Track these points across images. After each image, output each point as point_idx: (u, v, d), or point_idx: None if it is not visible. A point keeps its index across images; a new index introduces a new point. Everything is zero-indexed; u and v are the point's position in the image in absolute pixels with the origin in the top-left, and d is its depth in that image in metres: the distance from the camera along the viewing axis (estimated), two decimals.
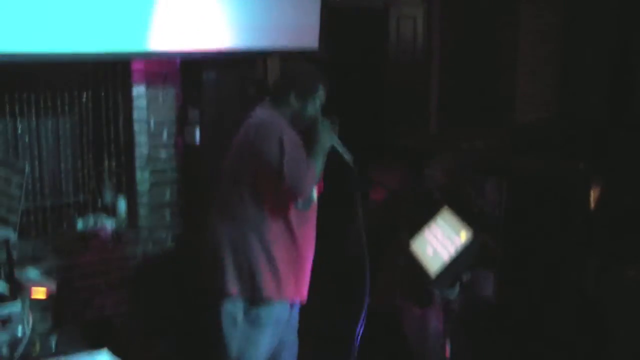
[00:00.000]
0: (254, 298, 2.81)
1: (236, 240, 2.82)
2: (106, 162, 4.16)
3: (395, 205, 4.21)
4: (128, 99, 4.07)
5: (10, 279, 2.51)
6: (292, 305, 2.96)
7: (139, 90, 4.06)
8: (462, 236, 2.57)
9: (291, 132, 2.78)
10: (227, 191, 2.89)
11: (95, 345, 2.66)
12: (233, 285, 2.80)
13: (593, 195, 3.58)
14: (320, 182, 2.97)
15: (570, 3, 6.01)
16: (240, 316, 2.84)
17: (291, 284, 2.87)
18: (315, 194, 2.91)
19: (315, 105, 2.86)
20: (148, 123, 4.12)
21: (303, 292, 2.95)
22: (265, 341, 2.87)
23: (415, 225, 3.05)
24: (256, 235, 2.79)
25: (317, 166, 2.83)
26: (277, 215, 2.79)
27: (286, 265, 2.83)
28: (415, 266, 2.83)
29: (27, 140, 3.91)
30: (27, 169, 2.77)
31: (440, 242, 2.67)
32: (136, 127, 4.09)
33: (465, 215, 2.73)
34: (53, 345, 2.40)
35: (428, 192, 3.87)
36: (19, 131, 3.88)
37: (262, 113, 2.85)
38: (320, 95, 2.87)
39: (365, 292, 2.87)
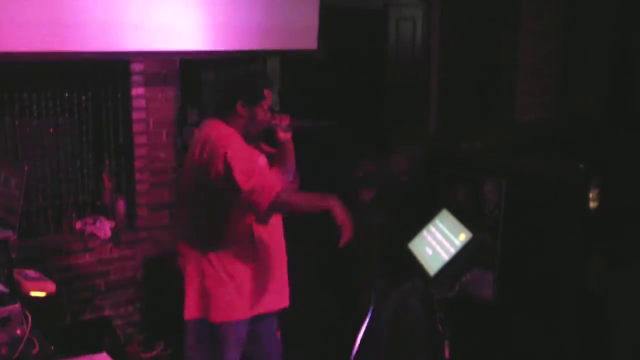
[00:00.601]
0: (215, 318, 2.78)
1: (197, 261, 2.79)
2: (105, 163, 4.16)
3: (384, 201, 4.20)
4: (127, 100, 4.07)
5: (10, 279, 2.51)
6: (267, 317, 2.93)
7: (138, 91, 4.06)
8: (461, 237, 2.57)
9: (238, 143, 2.68)
10: (185, 211, 2.87)
11: (94, 346, 2.66)
12: (193, 309, 2.80)
13: (593, 194, 3.58)
14: (296, 179, 2.96)
15: (570, 3, 6.01)
16: (203, 336, 2.83)
17: (257, 299, 2.82)
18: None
19: (264, 111, 2.76)
20: (147, 123, 4.12)
21: (278, 302, 2.92)
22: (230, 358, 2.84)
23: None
24: (216, 254, 2.75)
25: (288, 170, 2.84)
26: (238, 232, 2.75)
27: (250, 281, 2.79)
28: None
29: (26, 140, 3.91)
30: (27, 169, 2.76)
31: (439, 242, 2.67)
32: (135, 127, 4.08)
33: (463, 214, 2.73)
34: (52, 347, 2.40)
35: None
36: (19, 131, 3.88)
37: (207, 129, 2.76)
38: (268, 99, 2.77)
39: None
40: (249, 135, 2.79)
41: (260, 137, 2.86)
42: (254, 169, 2.61)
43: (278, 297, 2.92)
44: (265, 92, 2.76)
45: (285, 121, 2.81)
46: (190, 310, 2.81)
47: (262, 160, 2.80)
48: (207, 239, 2.79)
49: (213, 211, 2.75)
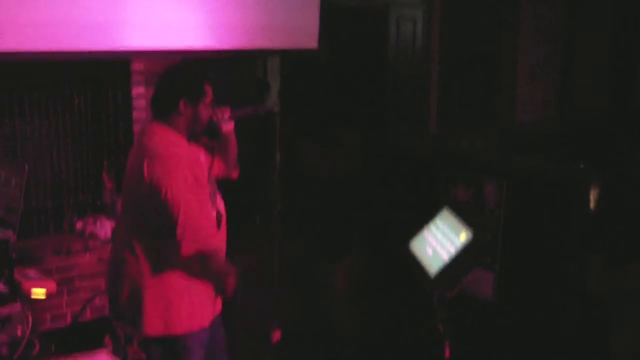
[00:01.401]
0: (179, 330, 2.66)
1: (152, 270, 2.63)
2: (106, 162, 4.16)
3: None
4: (128, 99, 4.07)
5: (10, 279, 2.51)
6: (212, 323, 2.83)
7: (138, 90, 4.06)
8: (462, 236, 2.57)
9: (188, 161, 2.58)
10: (129, 220, 2.71)
11: (94, 345, 2.66)
12: (150, 326, 2.63)
13: (594, 194, 3.58)
14: (237, 167, 2.91)
15: (570, 3, 6.01)
16: (167, 350, 2.70)
17: (208, 306, 2.74)
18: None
19: (207, 108, 2.67)
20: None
21: (218, 306, 2.84)
22: None
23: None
24: (163, 268, 2.61)
25: (230, 159, 2.80)
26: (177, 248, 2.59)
27: (200, 289, 2.69)
28: None
29: (27, 140, 3.91)
30: (27, 169, 2.77)
31: (440, 242, 2.67)
32: (136, 127, 4.08)
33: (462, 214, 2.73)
34: (53, 346, 2.40)
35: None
36: (19, 131, 3.88)
37: (155, 137, 2.62)
38: (210, 95, 2.68)
39: None
40: (193, 133, 2.70)
41: (203, 132, 2.76)
42: (189, 218, 2.51)
43: (218, 302, 2.84)
44: (206, 88, 2.67)
45: (226, 114, 2.75)
46: (153, 325, 2.64)
47: (202, 156, 2.74)
48: (159, 249, 2.63)
49: (150, 226, 2.61)
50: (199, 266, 2.63)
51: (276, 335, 3.96)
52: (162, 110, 2.66)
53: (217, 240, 2.74)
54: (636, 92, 5.90)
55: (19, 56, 3.37)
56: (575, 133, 5.56)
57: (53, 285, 2.70)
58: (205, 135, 2.78)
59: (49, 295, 2.64)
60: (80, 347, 2.47)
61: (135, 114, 4.08)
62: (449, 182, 3.92)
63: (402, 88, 5.73)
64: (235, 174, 2.95)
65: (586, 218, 3.48)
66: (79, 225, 4.07)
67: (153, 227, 2.56)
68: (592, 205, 3.57)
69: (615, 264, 3.49)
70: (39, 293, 2.60)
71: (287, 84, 4.73)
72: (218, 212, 2.77)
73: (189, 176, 2.57)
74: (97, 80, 4.07)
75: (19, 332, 2.26)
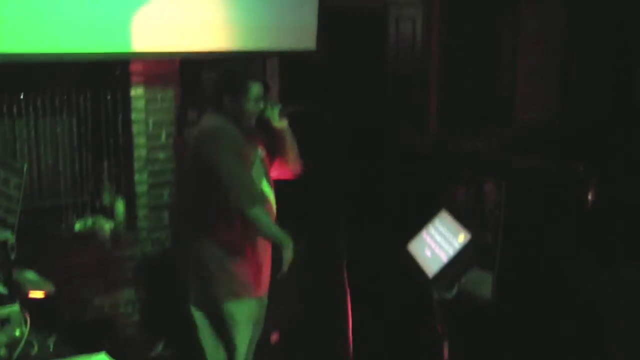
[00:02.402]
0: (219, 298, 2.92)
1: (196, 247, 2.92)
2: (105, 163, 4.16)
3: None
4: (126, 100, 4.07)
5: (9, 280, 2.51)
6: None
7: (137, 91, 4.06)
8: (460, 237, 2.57)
9: (234, 139, 2.83)
10: (183, 199, 3.03)
11: (93, 346, 2.66)
12: (194, 291, 2.95)
13: (591, 193, 3.58)
14: (298, 164, 3.07)
15: (570, 3, 6.01)
16: (209, 319, 2.98)
17: (251, 281, 2.97)
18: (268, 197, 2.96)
19: (252, 103, 2.88)
20: (147, 124, 4.12)
21: (263, 287, 3.05)
22: (242, 338, 2.93)
23: None
24: (213, 239, 2.89)
25: (291, 158, 3.00)
26: (230, 219, 2.86)
27: (246, 263, 2.92)
28: None
29: (25, 140, 3.91)
30: (26, 169, 2.77)
31: (438, 243, 2.67)
32: (135, 128, 4.08)
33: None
34: (51, 347, 2.40)
35: None
36: (17, 132, 3.88)
37: (206, 122, 2.96)
38: (254, 91, 2.88)
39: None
40: (241, 126, 2.91)
41: (257, 129, 2.97)
42: (242, 177, 2.80)
43: (264, 284, 3.07)
44: (250, 84, 2.87)
45: (277, 110, 2.92)
46: (192, 293, 3.00)
47: (258, 148, 2.98)
48: (204, 225, 2.91)
49: (206, 200, 2.88)
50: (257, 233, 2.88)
51: (274, 337, 3.96)
52: (213, 103, 2.95)
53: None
54: (636, 92, 5.89)
55: (19, 57, 3.37)
56: (575, 133, 5.55)
57: (52, 286, 2.69)
58: (260, 132, 2.97)
59: (47, 296, 2.64)
60: (79, 348, 2.47)
61: (133, 115, 4.07)
62: (449, 182, 3.92)
63: (402, 88, 5.72)
64: (295, 174, 3.12)
65: (585, 218, 3.48)
66: (77, 226, 4.08)
67: (214, 203, 2.82)
68: (589, 203, 3.57)
69: (608, 264, 3.48)
70: (37, 294, 2.61)
71: (286, 84, 4.73)
72: (261, 193, 2.93)
73: (234, 144, 2.82)
74: (96, 81, 4.07)
75: (17, 333, 2.26)
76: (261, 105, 2.90)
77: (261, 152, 3.01)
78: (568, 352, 3.38)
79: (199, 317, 3.00)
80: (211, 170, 2.79)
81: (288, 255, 2.82)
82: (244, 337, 2.98)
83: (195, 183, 2.91)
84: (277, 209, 3.06)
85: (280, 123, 2.94)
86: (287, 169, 3.09)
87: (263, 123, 2.93)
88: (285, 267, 2.85)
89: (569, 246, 3.44)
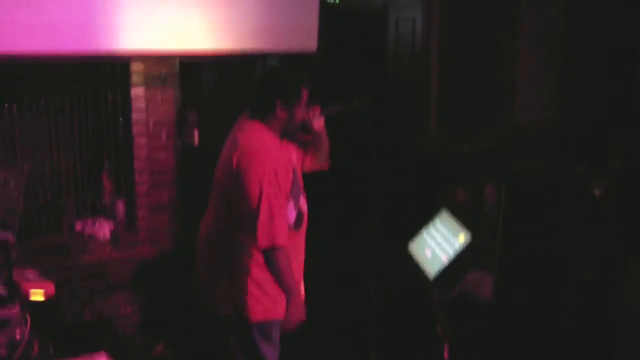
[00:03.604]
0: (257, 317, 2.82)
1: (230, 260, 2.80)
2: (105, 164, 4.16)
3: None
4: (127, 100, 4.07)
5: (9, 280, 2.51)
6: None
7: (137, 92, 4.06)
8: (461, 238, 2.57)
9: (277, 160, 2.70)
10: (215, 207, 2.88)
11: (94, 347, 2.66)
12: (231, 308, 2.82)
13: (599, 191, 3.56)
14: (328, 160, 3.02)
15: (570, 3, 6.00)
16: (242, 338, 2.89)
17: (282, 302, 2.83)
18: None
19: (302, 110, 2.77)
20: (147, 124, 4.12)
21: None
22: (274, 349, 2.91)
23: None
24: (247, 256, 2.76)
25: (322, 154, 2.93)
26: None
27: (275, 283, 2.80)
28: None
29: (26, 141, 3.91)
30: (26, 170, 2.77)
31: (439, 243, 2.67)
32: (135, 128, 4.08)
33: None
34: (51, 347, 2.40)
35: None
36: (18, 132, 3.88)
37: (252, 135, 2.74)
38: (305, 97, 2.78)
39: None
40: (288, 134, 2.82)
41: (296, 130, 2.86)
42: (278, 207, 2.67)
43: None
44: (303, 90, 2.76)
45: (317, 111, 2.82)
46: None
47: (294, 156, 2.89)
48: (237, 240, 2.78)
49: (237, 214, 2.76)
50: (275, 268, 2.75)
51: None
52: (259, 110, 2.77)
53: (296, 240, 2.87)
54: (636, 92, 5.89)
55: (19, 58, 3.37)
56: (575, 133, 5.55)
57: (52, 287, 2.69)
58: (298, 133, 2.88)
59: (48, 296, 2.64)
60: (80, 348, 2.47)
61: (134, 115, 4.07)
62: (449, 183, 3.93)
63: (402, 88, 5.73)
64: (327, 166, 3.05)
65: (585, 218, 3.48)
66: (78, 226, 4.08)
67: (239, 218, 2.71)
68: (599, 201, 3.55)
69: (618, 262, 3.47)
70: (38, 294, 2.61)
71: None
72: (300, 212, 2.86)
73: (274, 176, 2.67)
74: (97, 82, 4.07)
75: (17, 334, 2.26)
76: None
77: (294, 157, 2.92)
78: (568, 352, 3.38)
79: (229, 330, 2.94)
80: (251, 197, 2.65)
81: (295, 311, 2.75)
82: (273, 348, 2.92)
83: (232, 200, 2.74)
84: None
85: (319, 124, 2.86)
86: (317, 165, 3.02)
87: (305, 125, 2.83)
88: (289, 325, 2.77)
89: (568, 246, 3.44)
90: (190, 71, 4.23)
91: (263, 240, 2.66)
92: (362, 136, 2.80)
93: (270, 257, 2.70)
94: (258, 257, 2.75)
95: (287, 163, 2.78)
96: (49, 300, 2.67)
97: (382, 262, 2.85)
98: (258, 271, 2.76)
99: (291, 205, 2.80)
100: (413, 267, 2.72)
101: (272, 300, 2.80)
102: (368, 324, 2.87)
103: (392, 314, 4.02)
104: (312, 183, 3.08)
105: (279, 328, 2.89)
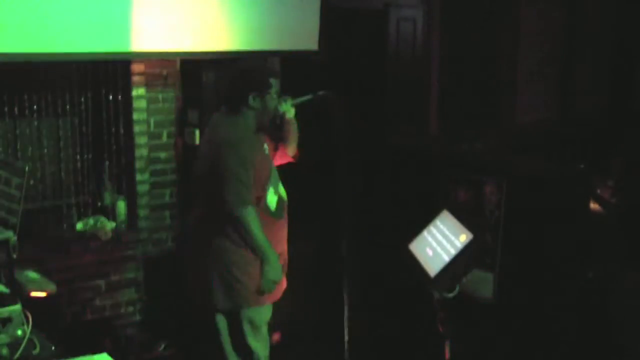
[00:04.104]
0: (243, 303, 2.91)
1: (214, 249, 2.90)
2: (106, 163, 4.17)
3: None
4: (128, 100, 4.07)
5: (10, 280, 2.51)
6: None
7: (138, 92, 4.06)
8: (462, 237, 2.57)
9: (253, 151, 2.83)
10: (200, 204, 2.99)
11: (95, 346, 2.66)
12: (218, 299, 2.91)
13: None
14: (296, 149, 3.12)
15: (570, 3, 6.01)
16: (229, 324, 2.97)
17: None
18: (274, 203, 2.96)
19: (275, 99, 2.91)
20: (148, 124, 4.13)
21: (280, 292, 3.04)
22: (262, 344, 2.95)
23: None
24: (231, 242, 2.86)
25: (291, 143, 3.04)
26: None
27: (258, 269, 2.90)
28: None
29: (27, 141, 3.91)
30: (27, 169, 2.77)
31: (440, 243, 2.67)
32: (136, 128, 4.09)
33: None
34: (52, 347, 2.40)
35: None
36: (19, 132, 3.89)
37: (225, 127, 2.91)
38: (275, 87, 2.92)
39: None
40: (262, 125, 2.94)
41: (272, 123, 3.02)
42: (244, 182, 2.78)
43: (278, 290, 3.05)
44: (272, 80, 2.90)
45: (290, 103, 2.97)
46: (216, 300, 2.94)
47: (267, 147, 3.00)
48: (221, 228, 2.89)
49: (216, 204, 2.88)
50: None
51: (275, 337, 3.96)
52: (233, 104, 2.92)
53: (278, 228, 2.97)
54: (636, 92, 5.90)
55: (20, 57, 3.37)
56: (575, 133, 5.56)
57: (53, 286, 2.70)
58: (272, 124, 3.01)
59: (49, 295, 2.65)
60: (81, 348, 2.47)
61: (135, 115, 4.08)
62: (449, 183, 3.92)
63: (402, 88, 5.73)
64: (294, 158, 3.17)
65: (586, 219, 3.48)
66: (79, 226, 4.08)
67: (219, 209, 2.82)
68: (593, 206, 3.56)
69: (619, 267, 3.47)
70: (39, 294, 2.61)
71: (287, 85, 4.73)
72: (281, 198, 2.97)
73: (247, 165, 2.80)
74: (97, 81, 4.07)
75: (19, 333, 2.26)
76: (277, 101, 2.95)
77: (267, 147, 3.03)
78: (568, 352, 3.38)
79: (222, 323, 3.00)
80: (224, 180, 2.80)
81: (269, 273, 2.85)
82: (263, 341, 2.99)
83: (213, 191, 2.86)
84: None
85: (289, 114, 3.00)
86: (287, 155, 3.14)
87: (279, 116, 2.98)
88: (265, 285, 2.87)
89: (569, 246, 3.44)
90: (190, 71, 4.23)
91: (232, 203, 2.77)
92: (329, 129, 2.92)
93: (241, 219, 2.79)
94: (238, 245, 2.85)
95: (262, 153, 2.91)
96: (50, 299, 2.67)
97: (348, 262, 2.94)
98: (243, 259, 2.86)
99: (271, 190, 2.92)
100: (414, 267, 2.72)
101: (251, 284, 2.89)
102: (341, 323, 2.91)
103: (392, 313, 4.02)
104: (289, 177, 3.17)
105: (269, 318, 2.98)
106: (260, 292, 2.89)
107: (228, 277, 2.89)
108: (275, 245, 2.92)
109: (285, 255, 3.05)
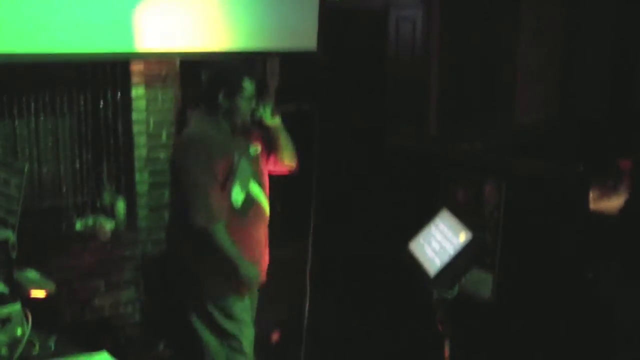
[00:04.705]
0: (217, 296, 2.93)
1: (188, 247, 2.91)
2: (105, 163, 4.16)
3: None
4: (127, 100, 4.07)
5: (10, 279, 2.51)
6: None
7: (138, 91, 4.06)
8: (461, 237, 2.57)
9: (209, 150, 2.81)
10: (172, 200, 3.08)
11: (94, 346, 2.66)
12: (194, 291, 2.94)
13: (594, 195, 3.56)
14: (292, 161, 3.09)
15: (570, 3, 6.01)
16: (210, 323, 2.95)
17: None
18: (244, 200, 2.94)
19: (246, 101, 2.88)
20: (147, 124, 4.13)
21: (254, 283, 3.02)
22: (246, 337, 2.98)
23: None
24: (192, 237, 2.85)
25: (285, 156, 3.02)
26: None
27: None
28: None
29: (25, 141, 3.91)
30: (26, 169, 2.77)
31: (440, 243, 2.67)
32: (135, 128, 4.09)
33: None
34: (52, 346, 2.40)
35: None
36: (18, 132, 3.88)
37: (192, 125, 2.96)
38: (249, 89, 2.89)
39: None
40: (236, 126, 2.92)
41: (251, 126, 2.96)
42: (206, 193, 2.78)
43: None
44: (244, 82, 2.88)
45: (269, 108, 2.92)
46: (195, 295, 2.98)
47: (250, 148, 2.98)
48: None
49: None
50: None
51: (275, 336, 3.96)
52: (204, 103, 2.94)
53: (245, 225, 2.92)
54: (636, 92, 5.89)
55: (19, 57, 3.37)
56: (575, 133, 5.55)
57: (53, 286, 2.70)
58: (250, 126, 2.96)
59: (48, 295, 2.65)
60: (80, 348, 2.47)
61: (134, 115, 4.08)
62: (449, 182, 3.93)
63: (402, 88, 5.73)
64: (289, 170, 3.13)
65: (586, 219, 3.48)
66: (78, 225, 4.08)
67: (180, 207, 2.87)
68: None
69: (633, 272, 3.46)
70: (38, 293, 2.61)
71: (287, 85, 4.74)
72: (248, 195, 2.93)
73: (206, 161, 2.79)
74: (96, 81, 4.07)
75: (18, 332, 2.26)
76: (254, 104, 2.91)
77: (255, 148, 3.01)
78: (568, 352, 3.38)
79: (199, 326, 2.99)
80: (179, 181, 2.85)
81: (249, 282, 2.89)
82: (247, 335, 2.99)
83: (174, 188, 2.97)
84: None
85: (273, 121, 2.94)
86: (281, 164, 3.10)
87: (257, 120, 2.93)
88: (247, 291, 2.92)
89: (568, 246, 3.45)
90: (190, 71, 4.23)
91: (197, 220, 2.77)
92: (309, 141, 2.90)
93: (210, 236, 2.80)
94: (200, 237, 2.84)
95: (226, 149, 2.86)
96: (49, 299, 2.67)
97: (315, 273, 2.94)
98: (204, 250, 2.86)
99: (237, 187, 2.89)
100: (413, 267, 2.72)
101: (224, 276, 2.89)
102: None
103: (392, 313, 4.03)
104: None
105: (241, 305, 2.97)
106: (242, 290, 2.93)
107: (199, 271, 2.92)
108: (246, 246, 2.91)
109: (265, 256, 3.04)
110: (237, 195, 2.89)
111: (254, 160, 3.01)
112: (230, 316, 2.95)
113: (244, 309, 3.00)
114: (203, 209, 2.77)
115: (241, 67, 3.00)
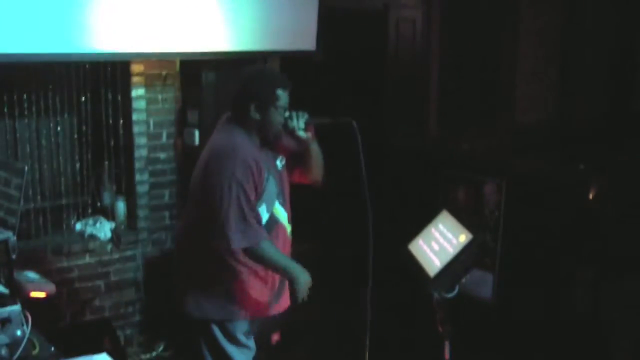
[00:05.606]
0: (222, 318, 2.82)
1: (193, 260, 2.83)
2: (105, 164, 4.16)
3: None
4: (127, 101, 4.07)
5: (10, 280, 2.51)
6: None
7: (138, 92, 4.06)
8: (461, 237, 2.57)
9: (247, 165, 2.64)
10: (188, 208, 2.88)
11: (94, 347, 2.66)
12: (198, 310, 2.83)
13: (593, 197, 3.57)
14: (319, 175, 2.95)
15: (570, 3, 6.01)
16: (216, 336, 2.86)
17: (253, 302, 2.84)
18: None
19: (279, 113, 2.72)
20: (147, 124, 4.13)
21: (265, 310, 2.91)
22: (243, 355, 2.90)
23: None
24: (209, 256, 2.75)
25: (313, 170, 2.86)
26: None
27: (248, 285, 2.80)
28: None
29: (26, 141, 3.91)
30: (26, 170, 2.77)
31: (440, 243, 2.67)
32: (135, 128, 4.09)
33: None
34: (52, 347, 2.40)
35: None
36: (18, 132, 3.89)
37: (225, 135, 2.75)
38: (282, 100, 2.72)
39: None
40: (266, 138, 2.77)
41: (280, 136, 2.81)
42: (243, 213, 2.63)
43: (266, 307, 2.93)
44: (278, 92, 2.71)
45: (302, 120, 2.76)
46: (195, 311, 2.85)
47: (276, 161, 2.84)
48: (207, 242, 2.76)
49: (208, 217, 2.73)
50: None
51: (275, 337, 3.96)
52: (236, 112, 2.77)
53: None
54: (636, 92, 5.90)
55: (19, 57, 3.37)
56: (575, 133, 5.56)
57: (53, 287, 2.70)
58: (280, 138, 2.82)
59: (48, 296, 2.65)
60: (80, 348, 2.47)
61: (134, 116, 4.08)
62: (449, 183, 3.93)
63: (402, 88, 5.72)
64: (318, 183, 2.97)
65: (585, 219, 3.48)
66: (78, 226, 4.08)
67: (205, 218, 2.69)
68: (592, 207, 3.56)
69: (607, 274, 3.46)
70: (38, 294, 2.61)
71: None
72: (272, 216, 2.81)
73: (243, 176, 2.63)
74: (97, 82, 4.07)
75: (18, 333, 2.26)
76: (286, 114, 2.74)
77: (281, 161, 2.88)
78: (568, 352, 3.38)
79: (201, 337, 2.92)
80: (214, 196, 2.63)
81: (299, 288, 2.73)
82: (243, 356, 2.91)
83: (200, 200, 2.73)
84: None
85: (305, 133, 2.78)
86: (307, 179, 2.96)
87: (289, 131, 2.77)
88: (299, 298, 2.75)
89: (568, 246, 3.45)
90: (190, 71, 4.23)
91: (239, 242, 2.63)
92: (351, 156, 2.77)
93: (254, 253, 2.69)
94: (219, 258, 2.73)
95: (260, 165, 2.70)
96: (49, 299, 2.67)
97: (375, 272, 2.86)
98: (218, 271, 2.77)
99: (263, 208, 2.76)
100: (413, 267, 2.72)
101: (232, 301, 2.79)
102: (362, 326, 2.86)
103: (392, 313, 4.02)
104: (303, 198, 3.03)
105: (245, 330, 2.88)
106: (297, 301, 2.80)
107: (199, 289, 2.82)
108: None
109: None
110: (262, 215, 2.77)
111: (280, 175, 2.86)
112: (234, 341, 2.86)
113: (242, 329, 2.89)
114: (246, 230, 2.62)
115: (275, 77, 2.81)
